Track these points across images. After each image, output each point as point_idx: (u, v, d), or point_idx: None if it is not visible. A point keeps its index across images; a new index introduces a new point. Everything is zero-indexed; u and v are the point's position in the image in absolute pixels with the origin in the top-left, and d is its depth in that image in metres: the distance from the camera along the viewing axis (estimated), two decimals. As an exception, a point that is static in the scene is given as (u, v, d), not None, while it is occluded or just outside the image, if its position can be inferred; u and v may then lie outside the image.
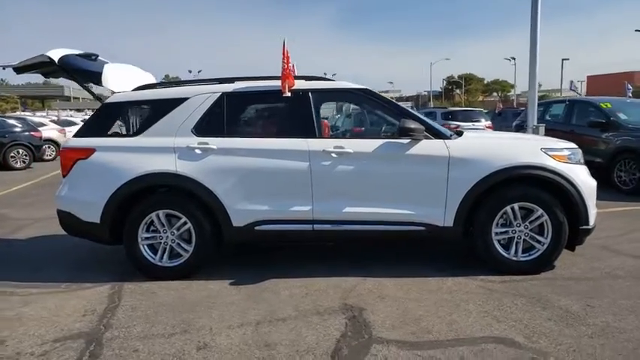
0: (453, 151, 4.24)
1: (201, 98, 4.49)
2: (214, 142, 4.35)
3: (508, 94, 77.07)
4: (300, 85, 4.46)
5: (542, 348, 3.01)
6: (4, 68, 5.10)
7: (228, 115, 4.46)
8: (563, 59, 59.86)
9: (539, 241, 4.30)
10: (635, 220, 6.29)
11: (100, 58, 4.99)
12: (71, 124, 21.34)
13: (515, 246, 4.32)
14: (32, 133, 15.41)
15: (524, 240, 4.32)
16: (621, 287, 4.00)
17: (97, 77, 4.69)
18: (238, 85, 4.56)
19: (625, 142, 8.44)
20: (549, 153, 4.30)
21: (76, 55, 4.79)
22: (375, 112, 4.75)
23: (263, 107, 4.76)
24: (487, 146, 4.36)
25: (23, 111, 44.45)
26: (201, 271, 4.47)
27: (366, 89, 4.54)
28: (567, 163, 4.31)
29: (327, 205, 4.30)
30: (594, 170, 5.35)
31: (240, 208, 4.32)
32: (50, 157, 16.89)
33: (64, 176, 4.59)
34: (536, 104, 9.14)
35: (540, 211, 4.24)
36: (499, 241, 4.33)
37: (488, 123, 15.48)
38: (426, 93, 75.06)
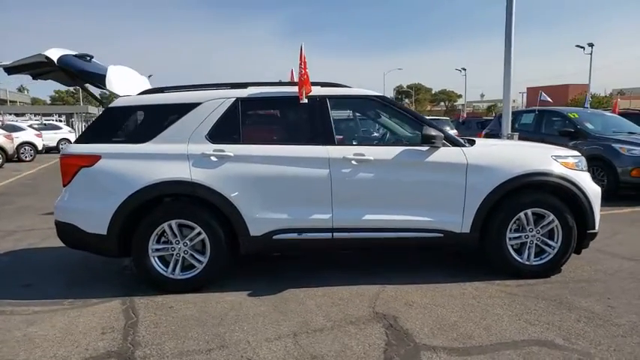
0: (470, 158, 4.31)
1: (215, 103, 4.35)
2: (231, 149, 4.22)
3: (455, 103, 79.75)
4: (317, 91, 4.41)
5: (584, 349, 3.10)
6: None
7: (244, 121, 4.35)
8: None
9: (550, 246, 4.44)
10: (615, 224, 6.62)
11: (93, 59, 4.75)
12: (17, 129, 20.17)
13: (528, 250, 4.44)
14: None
15: (535, 244, 4.45)
16: (630, 288, 4.18)
17: (100, 79, 4.45)
18: (253, 90, 4.46)
19: (592, 150, 8.89)
20: (559, 160, 4.46)
21: (73, 55, 4.54)
22: (392, 120, 4.77)
23: (279, 113, 4.66)
24: (502, 154, 4.47)
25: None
26: (213, 283, 4.31)
27: (383, 96, 4.56)
28: (575, 170, 4.48)
29: (347, 212, 4.26)
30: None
31: (259, 217, 4.21)
32: (-1, 166, 15.91)
33: (64, 185, 4.31)
34: (510, 113, 9.49)
35: (552, 216, 4.38)
36: (512, 246, 4.44)
37: (455, 132, 15.94)
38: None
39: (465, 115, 25.59)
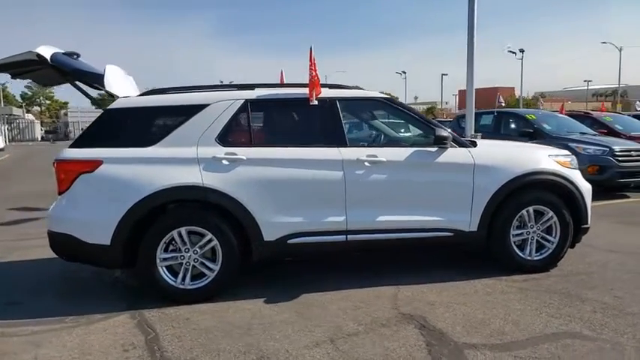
0: (477, 158, 4.42)
1: (223, 105, 4.19)
2: (243, 152, 4.09)
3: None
4: (326, 93, 4.36)
5: (612, 339, 3.25)
6: None
7: (254, 123, 4.23)
8: (442, 74, 65.05)
9: (549, 241, 4.63)
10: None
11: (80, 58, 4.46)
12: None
13: (530, 246, 4.61)
14: None
15: (536, 240, 4.63)
16: (626, 279, 4.43)
17: (95, 79, 4.17)
18: (261, 91, 4.34)
19: (550, 149, 9.39)
20: (556, 159, 4.67)
21: (63, 53, 4.24)
22: (397, 121, 4.80)
23: (289, 115, 4.56)
24: (505, 154, 4.61)
25: None
26: (224, 292, 4.14)
27: (390, 98, 4.59)
28: (570, 168, 4.71)
29: (360, 214, 4.24)
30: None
31: (273, 221, 4.10)
32: None
33: (60, 192, 4.00)
34: (473, 114, 9.85)
35: (551, 213, 4.58)
36: (515, 242, 4.59)
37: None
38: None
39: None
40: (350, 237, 4.24)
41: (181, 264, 4.04)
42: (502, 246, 4.54)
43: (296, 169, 4.14)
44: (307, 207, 4.17)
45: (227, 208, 4.01)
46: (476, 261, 4.99)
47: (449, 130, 4.47)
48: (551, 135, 9.64)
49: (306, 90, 4.36)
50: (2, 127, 35.16)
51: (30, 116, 68.30)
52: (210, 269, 4.07)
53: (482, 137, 9.81)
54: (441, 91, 66.04)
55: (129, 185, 3.92)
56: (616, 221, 6.90)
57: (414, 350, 3.14)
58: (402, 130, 6.90)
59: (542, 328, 3.42)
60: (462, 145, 4.49)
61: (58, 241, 4.02)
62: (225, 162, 4.05)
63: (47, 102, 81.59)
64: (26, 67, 4.22)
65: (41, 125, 69.01)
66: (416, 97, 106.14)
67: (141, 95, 4.32)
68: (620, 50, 56.35)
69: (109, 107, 4.15)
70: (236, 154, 4.07)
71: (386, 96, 4.58)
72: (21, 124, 62.83)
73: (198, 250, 4.05)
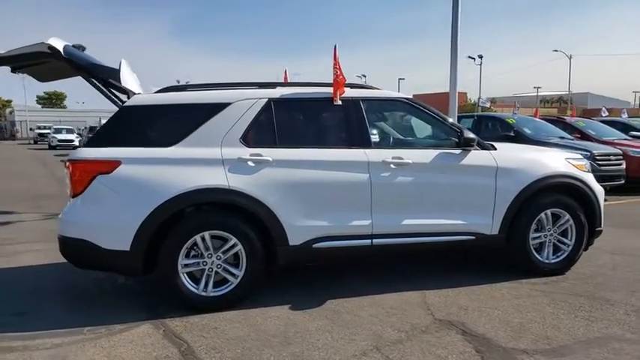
0: (499, 161, 4.41)
1: (246, 104, 4.01)
2: (268, 154, 3.92)
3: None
4: (350, 93, 4.25)
5: (654, 340, 3.28)
6: None
7: (279, 124, 4.06)
8: (399, 79, 65.84)
9: (565, 244, 4.68)
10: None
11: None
12: None
13: (547, 249, 4.64)
14: None
15: (553, 243, 4.67)
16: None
17: (113, 74, 3.91)
18: (284, 90, 4.19)
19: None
20: (572, 163, 4.72)
21: (72, 46, 3.95)
22: (420, 123, 4.73)
23: (313, 115, 4.40)
24: (526, 157, 4.62)
25: None
26: (244, 299, 3.96)
27: (411, 98, 4.52)
28: (585, 171, 4.78)
29: (386, 218, 4.14)
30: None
31: (298, 225, 3.95)
32: None
33: (74, 195, 3.72)
34: (456, 117, 9.95)
35: (568, 216, 4.62)
36: (533, 245, 4.61)
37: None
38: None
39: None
40: (375, 241, 4.14)
41: (203, 270, 3.83)
42: (522, 249, 4.54)
43: (322, 171, 4.00)
44: (333, 210, 4.05)
45: (253, 211, 3.83)
46: (490, 264, 4.99)
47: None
48: (532, 139, 9.86)
49: (329, 90, 4.24)
50: None
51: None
52: (233, 275, 3.87)
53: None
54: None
55: (150, 187, 3.68)
56: (608, 224, 7.06)
57: (467, 357, 3.06)
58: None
59: (584, 332, 3.42)
60: (484, 147, 4.47)
61: (72, 246, 3.74)
62: (250, 163, 3.87)
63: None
64: (36, 59, 3.91)
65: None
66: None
67: (158, 92, 4.08)
68: (570, 58, 58.96)
69: (125, 104, 3.90)
70: (261, 155, 3.90)
71: (408, 97, 4.51)
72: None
73: (222, 256, 3.85)
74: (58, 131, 37.06)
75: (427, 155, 4.29)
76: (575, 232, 4.66)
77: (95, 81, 3.99)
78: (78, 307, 4.02)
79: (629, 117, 18.15)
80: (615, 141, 11.12)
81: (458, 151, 4.34)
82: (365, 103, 4.29)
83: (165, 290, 3.85)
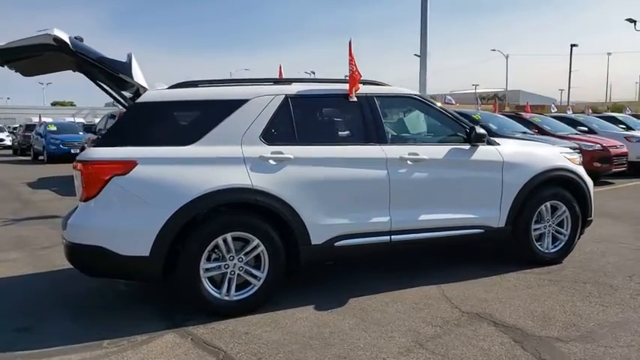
0: (505, 156, 4.53)
1: (264, 100, 3.90)
2: (289, 151, 3.83)
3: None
4: (364, 89, 4.23)
5: (670, 322, 3.49)
6: None
7: (297, 120, 3.97)
8: (345, 76, 66.35)
9: (562, 234, 4.88)
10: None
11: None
12: None
13: (547, 240, 4.84)
14: None
15: (552, 234, 4.86)
16: (631, 266, 4.80)
17: (124, 68, 3.67)
18: (300, 87, 4.10)
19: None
20: (567, 156, 4.94)
21: (74, 38, 3.69)
22: (429, 119, 4.78)
23: (330, 112, 4.34)
24: (528, 151, 4.79)
25: None
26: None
27: (421, 95, 4.56)
28: (577, 164, 5.01)
29: (403, 214, 4.16)
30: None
31: (320, 224, 3.89)
32: None
33: (87, 198, 3.47)
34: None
35: (564, 207, 4.83)
36: (534, 236, 4.79)
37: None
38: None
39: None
40: (394, 237, 4.15)
41: (225, 274, 3.69)
42: (525, 240, 4.71)
43: (343, 168, 3.96)
44: (353, 208, 4.02)
45: (276, 211, 3.73)
46: (486, 256, 5.12)
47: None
48: (498, 134, 10.16)
49: (343, 86, 4.20)
50: None
51: None
52: (255, 277, 3.76)
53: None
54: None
55: (171, 188, 3.50)
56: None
57: (508, 348, 3.13)
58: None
59: (604, 317, 3.58)
60: (490, 143, 4.59)
61: (84, 254, 3.49)
62: (272, 162, 3.77)
63: None
64: (37, 52, 3.60)
65: None
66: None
67: (170, 88, 3.88)
68: (507, 57, 61.93)
69: (138, 101, 3.68)
70: (283, 153, 3.80)
71: (418, 93, 4.55)
72: None
73: (243, 258, 3.72)
74: (-16, 129, 34.48)
75: (440, 151, 4.34)
76: (571, 222, 4.88)
77: (103, 77, 3.73)
78: (83, 318, 3.77)
79: (557, 112, 19.23)
80: (569, 136, 11.75)
81: (467, 147, 4.42)
82: (378, 99, 4.28)
83: (188, 297, 3.68)
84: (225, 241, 3.64)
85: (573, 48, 49.33)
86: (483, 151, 4.47)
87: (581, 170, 4.97)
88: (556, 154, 4.89)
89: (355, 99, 4.13)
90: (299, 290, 4.18)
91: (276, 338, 3.33)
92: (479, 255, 5.20)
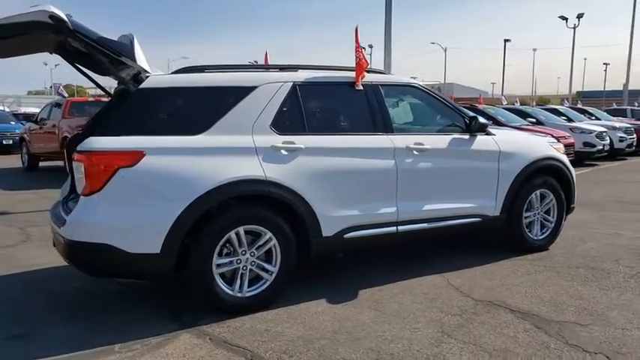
0: (501, 145, 4.62)
1: (272, 87, 3.73)
2: (300, 141, 3.69)
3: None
4: (370, 78, 4.16)
5: (668, 303, 3.68)
6: None
7: (306, 109, 3.83)
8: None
9: (548, 221, 5.06)
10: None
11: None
12: None
13: (536, 227, 4.99)
14: None
15: (540, 221, 5.02)
16: (612, 251, 5.05)
17: (125, 50, 3.38)
18: (307, 74, 3.96)
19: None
20: (554, 146, 5.10)
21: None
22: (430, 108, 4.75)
23: (337, 100, 4.18)
24: (520, 141, 4.91)
25: None
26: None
27: (420, 84, 4.54)
28: (562, 153, 5.19)
29: (409, 204, 4.14)
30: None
31: (331, 215, 3.79)
32: None
33: (91, 192, 3.18)
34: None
35: (552, 195, 5.00)
36: (524, 224, 4.92)
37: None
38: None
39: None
40: (400, 228, 4.13)
41: (237, 269, 3.52)
42: (517, 228, 4.83)
43: (353, 158, 3.88)
44: (362, 198, 3.95)
45: (289, 203, 3.60)
46: (477, 244, 5.22)
47: None
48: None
49: (349, 74, 4.11)
50: None
51: None
52: (267, 271, 3.61)
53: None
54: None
55: (182, 181, 3.28)
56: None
57: (531, 334, 3.18)
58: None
59: (609, 300, 3.73)
60: (487, 133, 4.65)
61: (87, 252, 3.21)
62: (283, 152, 3.62)
63: None
64: (28, 31, 3.22)
65: None
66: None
67: (175, 73, 3.62)
68: (445, 50, 63.81)
69: (141, 86, 3.40)
70: (294, 143, 3.66)
71: (418, 83, 4.53)
72: None
73: (255, 252, 3.57)
74: None
75: (443, 140, 4.35)
76: (557, 210, 5.06)
77: (103, 60, 3.39)
78: (79, 320, 3.48)
79: (507, 104, 20.02)
80: (522, 127, 12.24)
81: (467, 136, 4.46)
82: (383, 88, 4.22)
83: (200, 295, 3.48)
84: (237, 234, 3.47)
85: (506, 43, 51.58)
86: (482, 141, 4.53)
87: (566, 159, 5.15)
88: (545, 144, 5.05)
89: (361, 87, 4.04)
90: (304, 283, 4.06)
91: (300, 334, 3.22)
92: (468, 244, 5.29)
